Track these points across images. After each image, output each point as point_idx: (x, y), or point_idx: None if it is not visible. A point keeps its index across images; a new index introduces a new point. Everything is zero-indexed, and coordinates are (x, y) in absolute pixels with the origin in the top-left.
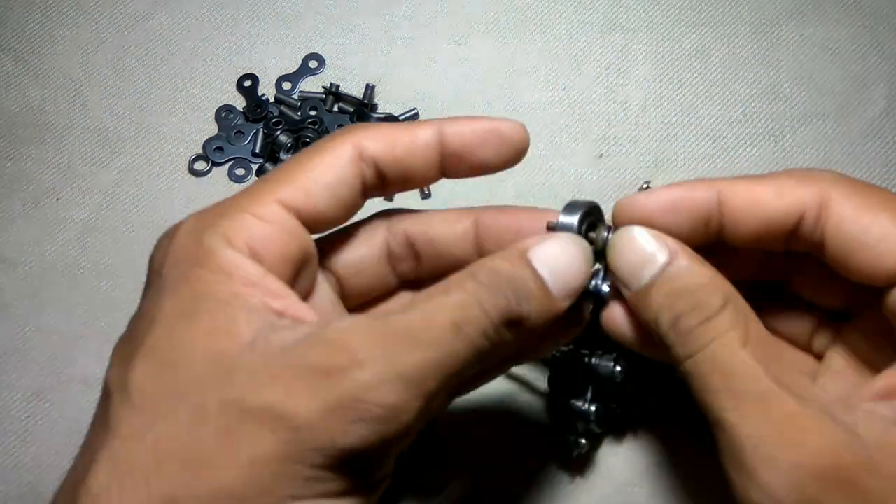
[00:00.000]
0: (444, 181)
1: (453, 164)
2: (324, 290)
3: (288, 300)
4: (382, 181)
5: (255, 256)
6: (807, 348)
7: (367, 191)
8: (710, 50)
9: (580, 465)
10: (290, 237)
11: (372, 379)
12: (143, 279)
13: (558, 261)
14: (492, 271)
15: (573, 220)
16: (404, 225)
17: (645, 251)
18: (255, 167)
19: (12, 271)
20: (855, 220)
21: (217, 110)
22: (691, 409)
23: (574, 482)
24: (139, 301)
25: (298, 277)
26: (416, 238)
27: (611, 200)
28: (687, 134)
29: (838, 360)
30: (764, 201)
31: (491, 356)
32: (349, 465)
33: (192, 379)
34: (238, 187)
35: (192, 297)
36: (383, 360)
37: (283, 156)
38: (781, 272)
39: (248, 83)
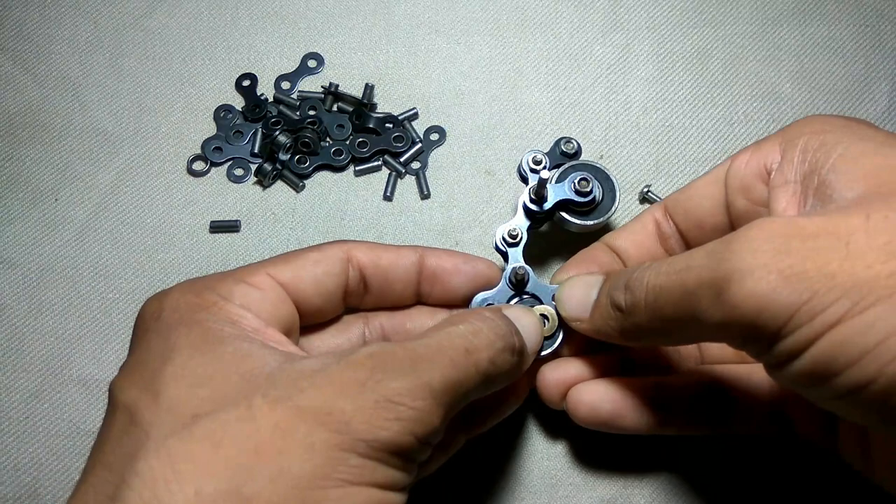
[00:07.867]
0: (441, 181)
1: (428, 286)
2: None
3: (290, 348)
4: (365, 287)
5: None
6: None
7: (349, 294)
8: (711, 50)
9: (581, 466)
10: (279, 303)
11: (406, 386)
12: (142, 281)
13: (522, 320)
14: (485, 313)
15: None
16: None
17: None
18: (253, 167)
19: (10, 272)
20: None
21: (216, 110)
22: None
23: (574, 483)
24: (130, 346)
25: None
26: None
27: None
28: (688, 135)
29: None
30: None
31: (491, 383)
32: (389, 458)
33: (230, 387)
34: (237, 187)
35: (204, 334)
36: (413, 373)
37: (281, 156)
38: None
39: (246, 83)
